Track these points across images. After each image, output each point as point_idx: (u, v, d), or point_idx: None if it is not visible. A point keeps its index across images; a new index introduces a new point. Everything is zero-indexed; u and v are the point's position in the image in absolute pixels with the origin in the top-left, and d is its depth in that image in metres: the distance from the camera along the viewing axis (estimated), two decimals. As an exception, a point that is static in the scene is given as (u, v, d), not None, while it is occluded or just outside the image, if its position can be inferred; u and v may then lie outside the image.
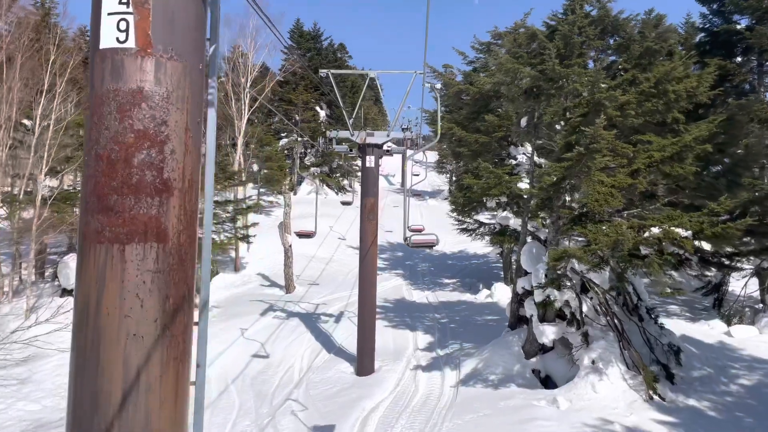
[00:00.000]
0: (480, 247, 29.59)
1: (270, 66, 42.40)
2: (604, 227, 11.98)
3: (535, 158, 23.97)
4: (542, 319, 13.75)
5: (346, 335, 17.45)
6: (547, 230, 16.10)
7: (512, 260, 23.79)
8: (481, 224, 25.27)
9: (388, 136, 15.20)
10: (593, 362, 12.19)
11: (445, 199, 45.50)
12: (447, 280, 25.86)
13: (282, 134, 44.57)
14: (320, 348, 16.79)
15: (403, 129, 15.59)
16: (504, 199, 23.56)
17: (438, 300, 22.46)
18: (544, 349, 13.93)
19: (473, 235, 24.94)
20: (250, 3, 4.68)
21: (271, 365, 15.42)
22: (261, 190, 36.78)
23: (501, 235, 22.32)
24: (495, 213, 26.65)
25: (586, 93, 13.41)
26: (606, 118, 12.18)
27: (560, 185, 11.92)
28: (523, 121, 15.62)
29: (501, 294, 21.93)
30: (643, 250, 11.18)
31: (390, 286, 24.94)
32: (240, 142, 26.46)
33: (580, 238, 14.02)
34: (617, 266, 11.82)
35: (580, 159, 10.92)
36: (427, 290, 24.21)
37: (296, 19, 48.32)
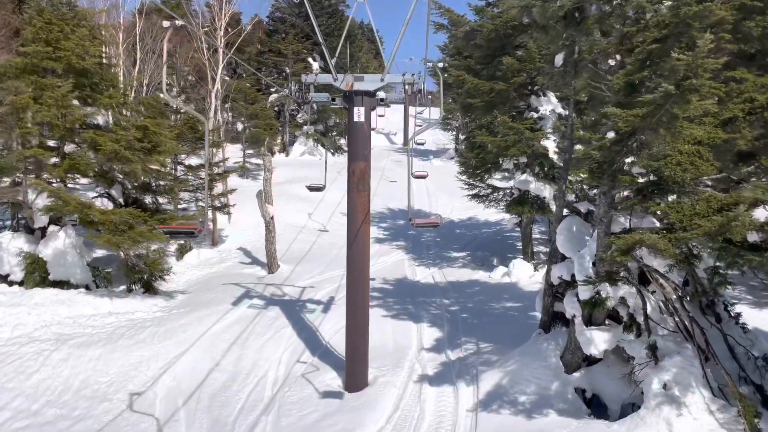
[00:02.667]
0: (492, 213, 26.09)
1: (258, 13, 38.10)
2: (688, 202, 8.48)
3: (560, 110, 20.28)
4: (588, 322, 10.40)
5: (337, 329, 14.19)
6: (589, 202, 12.59)
7: (532, 231, 20.33)
8: (495, 189, 21.70)
9: (382, 80, 11.54)
10: (665, 386, 8.87)
11: (452, 158, 41.80)
12: (455, 254, 22.49)
13: (272, 89, 40.59)
14: (303, 348, 13.55)
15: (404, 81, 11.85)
16: (524, 159, 19.99)
17: (446, 279, 19.13)
18: (589, 361, 10.61)
19: (486, 202, 21.40)
20: None
21: (238, 375, 12.20)
22: (247, 151, 33.10)
23: (520, 203, 18.79)
24: (506, 175, 23.02)
25: (651, 13, 9.70)
26: (686, 46, 8.55)
27: (627, 142, 8.32)
28: (559, 59, 11.87)
29: (521, 272, 18.57)
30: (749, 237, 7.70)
31: (390, 261, 21.59)
32: (214, 95, 22.74)
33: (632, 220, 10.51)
34: (716, 261, 8.33)
35: (663, 103, 7.30)
36: (433, 266, 20.87)
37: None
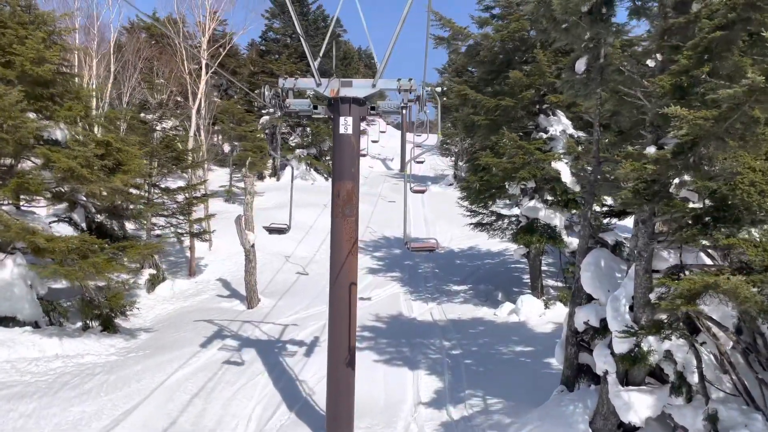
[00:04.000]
0: (494, 243, 24.20)
1: (246, 26, 36.69)
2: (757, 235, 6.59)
3: (572, 131, 18.55)
4: (625, 380, 8.42)
5: (320, 376, 12.12)
6: (616, 231, 10.71)
7: (541, 263, 18.38)
8: (500, 217, 19.84)
9: (374, 86, 9.74)
10: (733, 472, 6.86)
11: (450, 184, 40.07)
12: (456, 287, 20.50)
13: (263, 111, 38.98)
14: (278, 401, 11.48)
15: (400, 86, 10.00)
16: (531, 184, 18.18)
17: (446, 317, 17.11)
18: (625, 429, 8.58)
19: (490, 230, 19.49)
20: None
21: (197, 438, 10.10)
22: (235, 175, 31.29)
23: (528, 232, 16.88)
24: (507, 202, 21.21)
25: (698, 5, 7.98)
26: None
27: (688, 155, 6.45)
28: (581, 64, 10.10)
29: (530, 310, 16.57)
30: None
31: (384, 295, 19.59)
32: (195, 111, 20.97)
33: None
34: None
35: (742, 102, 5.46)
36: (432, 301, 18.86)
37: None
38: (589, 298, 9.65)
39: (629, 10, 9.00)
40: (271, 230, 11.17)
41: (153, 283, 19.01)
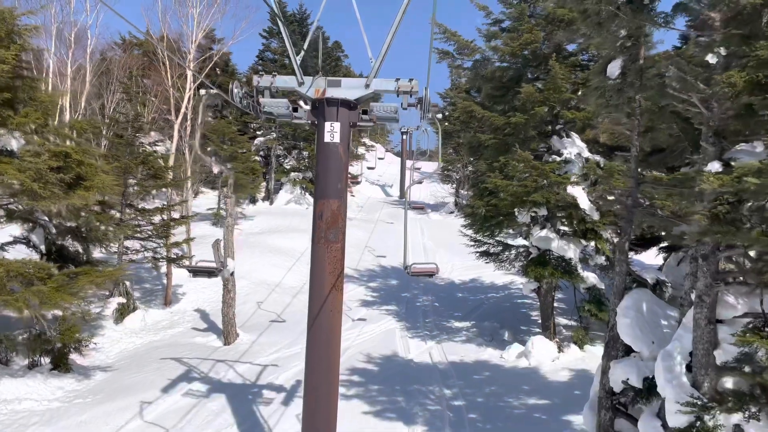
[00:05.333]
0: (499, 275, 22.38)
1: (236, 33, 35.20)
2: None
3: (587, 154, 16.92)
4: (681, 461, 6.55)
5: (299, 429, 10.17)
6: (653, 267, 8.96)
7: (553, 299, 16.51)
8: (507, 247, 18.05)
9: (367, 86, 8.09)
10: None
11: (451, 212, 38.33)
12: (457, 323, 18.58)
13: (258, 132, 37.53)
14: (246, 463, 9.53)
15: (398, 85, 8.32)
16: (543, 211, 16.45)
17: (446, 359, 15.20)
18: None
19: (497, 261, 17.67)
20: None
21: None
22: (226, 198, 29.53)
23: (540, 264, 15.08)
24: (510, 231, 19.37)
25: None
26: None
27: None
28: (615, 67, 8.48)
29: (542, 353, 14.66)
30: None
31: (378, 330, 17.67)
32: (178, 126, 19.33)
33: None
34: None
35: None
36: (431, 339, 16.94)
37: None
38: (627, 350, 7.84)
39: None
40: (196, 272, 9.30)
41: (122, 313, 17.10)
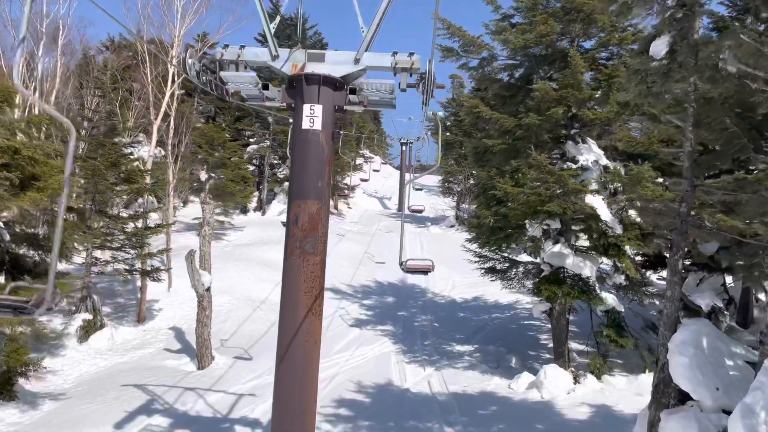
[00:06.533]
0: (503, 294, 20.73)
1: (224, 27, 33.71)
2: None
3: (605, 161, 15.36)
4: None
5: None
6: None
7: (568, 323, 14.82)
8: (514, 263, 16.41)
9: (357, 61, 6.51)
10: None
11: (451, 226, 36.72)
12: (459, 347, 16.87)
13: (252, 139, 36.03)
14: None
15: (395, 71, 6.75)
16: (555, 224, 14.87)
17: (447, 389, 13.48)
18: None
19: (504, 279, 16.00)
20: None
21: None
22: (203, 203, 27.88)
23: (555, 282, 13.43)
24: (514, 246, 17.69)
25: None
26: None
27: None
28: (662, 44, 6.90)
29: (555, 385, 12.94)
30: None
31: (372, 354, 15.95)
32: (156, 127, 17.71)
33: None
34: None
35: None
36: (429, 365, 15.22)
37: None
38: (682, 397, 6.18)
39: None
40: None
41: (87, 331, 15.40)
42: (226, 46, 6.67)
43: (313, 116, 6.38)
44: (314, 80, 6.41)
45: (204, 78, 6.54)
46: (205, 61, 6.58)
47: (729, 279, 10.06)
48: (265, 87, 6.55)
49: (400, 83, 6.67)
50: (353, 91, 6.52)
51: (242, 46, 6.68)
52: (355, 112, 7.22)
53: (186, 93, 37.64)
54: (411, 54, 6.61)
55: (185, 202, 31.88)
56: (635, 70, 7.31)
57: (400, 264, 9.66)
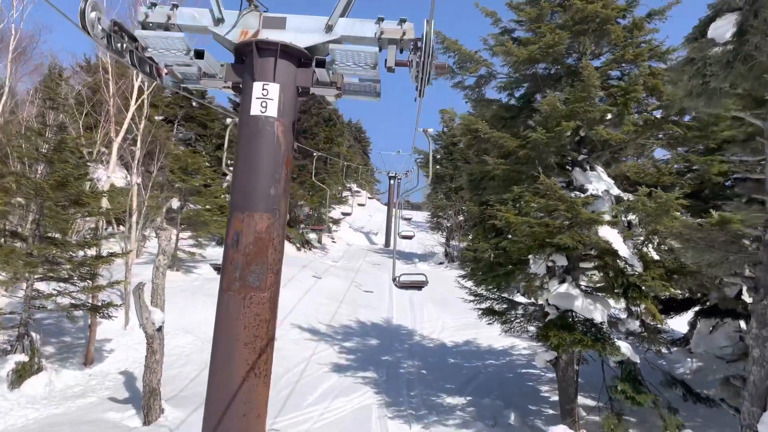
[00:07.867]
0: (498, 338, 18.89)
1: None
2: None
3: (616, 191, 13.78)
4: None
5: None
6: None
7: (577, 375, 12.94)
8: (513, 304, 14.59)
9: (329, 28, 4.84)
10: None
11: (441, 263, 34.96)
12: (450, 399, 14.85)
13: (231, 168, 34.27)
14: None
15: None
16: (562, 260, 13.17)
17: (438, 452, 11.44)
18: None
19: (504, 322, 14.13)
20: None
21: None
22: (185, 236, 25.94)
23: (563, 328, 11.59)
24: (515, 284, 15.89)
25: None
26: None
27: None
28: (725, 26, 5.33)
29: (565, 450, 10.98)
30: None
31: (349, 408, 13.90)
32: (116, 145, 15.91)
33: None
34: None
35: None
36: (416, 421, 13.20)
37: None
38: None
39: None
40: None
41: (20, 375, 13.24)
42: (154, 5, 4.96)
43: (266, 98, 4.66)
44: (269, 50, 4.71)
45: (119, 45, 4.80)
46: (116, 18, 4.86)
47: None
48: (199, 55, 4.81)
49: (387, 60, 4.99)
50: (321, 64, 4.80)
51: (174, 6, 4.97)
52: (327, 101, 5.51)
53: (165, 119, 36.13)
54: (402, 21, 4.95)
55: (158, 232, 29.91)
56: (689, 59, 5.73)
57: (394, 279, 8.63)
